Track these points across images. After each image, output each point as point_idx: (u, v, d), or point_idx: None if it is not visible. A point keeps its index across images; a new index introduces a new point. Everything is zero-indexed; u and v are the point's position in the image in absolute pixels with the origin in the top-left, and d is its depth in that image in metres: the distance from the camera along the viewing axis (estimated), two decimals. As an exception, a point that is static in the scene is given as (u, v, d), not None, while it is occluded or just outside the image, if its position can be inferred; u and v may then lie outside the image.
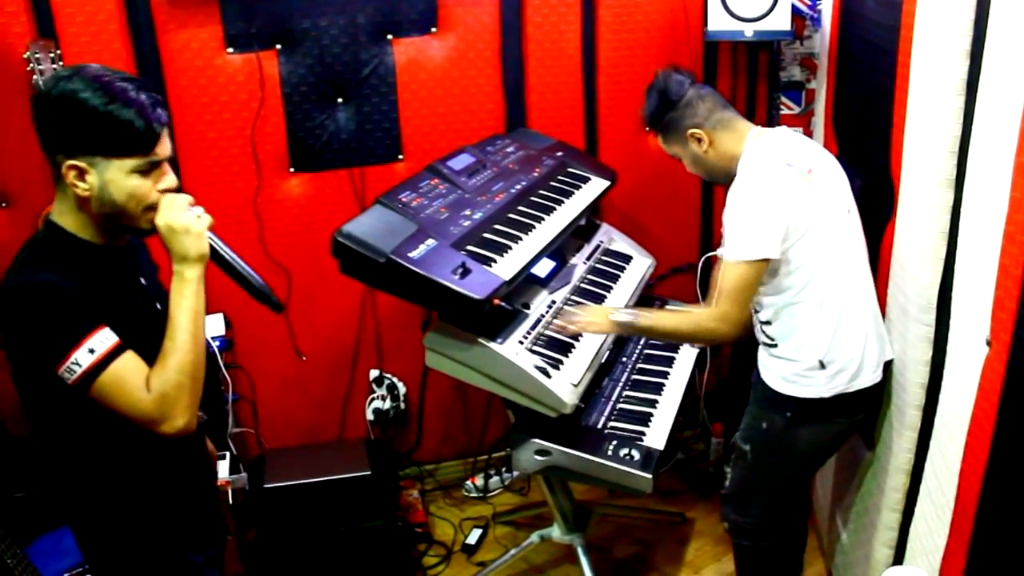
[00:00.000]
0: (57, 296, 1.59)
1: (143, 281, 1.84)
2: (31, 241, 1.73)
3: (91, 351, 1.60)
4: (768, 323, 2.34)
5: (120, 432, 1.70)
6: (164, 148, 1.68)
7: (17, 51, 2.75)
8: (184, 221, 1.68)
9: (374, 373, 3.45)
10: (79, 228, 1.69)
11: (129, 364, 1.64)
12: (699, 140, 2.35)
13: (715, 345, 2.41)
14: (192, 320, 1.69)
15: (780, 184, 2.19)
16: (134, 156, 1.64)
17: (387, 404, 3.45)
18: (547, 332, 2.57)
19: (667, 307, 3.05)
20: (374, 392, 3.47)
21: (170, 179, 1.71)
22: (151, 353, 1.69)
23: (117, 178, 1.64)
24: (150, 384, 1.64)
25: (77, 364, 1.60)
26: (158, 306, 1.81)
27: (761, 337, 2.40)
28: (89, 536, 1.87)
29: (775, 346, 2.34)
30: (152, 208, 1.69)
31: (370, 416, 3.47)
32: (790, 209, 2.17)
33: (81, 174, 1.62)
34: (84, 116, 1.59)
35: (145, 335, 1.70)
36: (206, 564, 1.96)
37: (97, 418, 1.68)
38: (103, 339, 1.61)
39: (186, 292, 1.69)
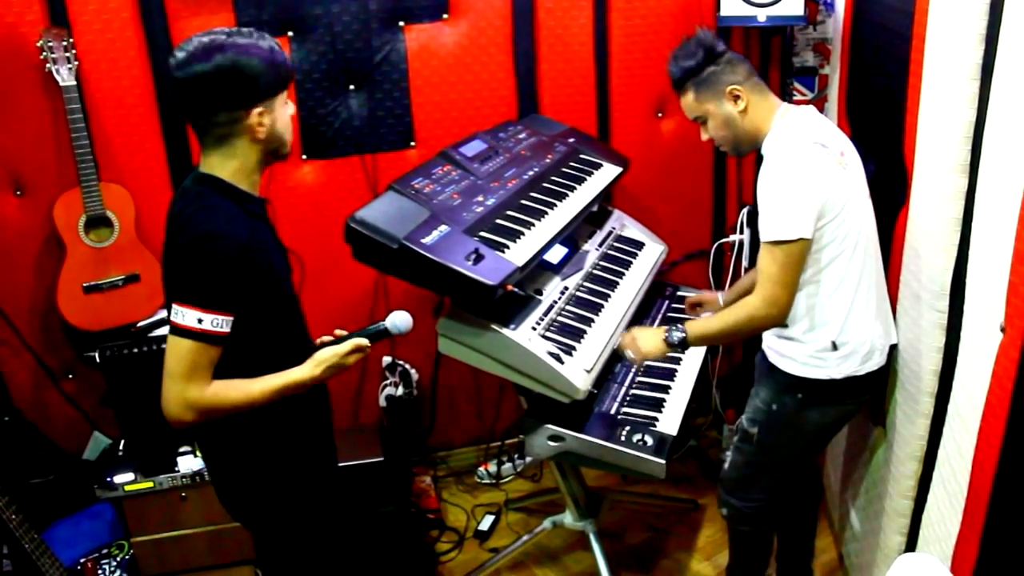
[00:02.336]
0: (229, 257, 1.73)
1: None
2: (196, 194, 1.83)
3: (200, 320, 1.73)
4: None
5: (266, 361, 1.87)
6: None
7: (31, 40, 2.77)
8: (348, 363, 1.97)
9: (387, 360, 3.46)
10: (239, 178, 1.85)
11: (209, 356, 1.77)
12: (737, 98, 2.29)
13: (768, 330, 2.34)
14: (275, 396, 1.86)
15: (816, 164, 2.16)
16: (287, 87, 1.87)
17: (400, 391, 3.45)
18: (560, 318, 2.58)
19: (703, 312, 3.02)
20: (387, 379, 3.48)
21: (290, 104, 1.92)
22: (287, 309, 1.94)
23: (280, 110, 1.85)
24: (215, 387, 1.79)
25: (181, 315, 1.73)
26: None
27: None
28: (219, 457, 2.03)
29: (784, 327, 2.33)
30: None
31: (383, 403, 3.48)
32: (825, 190, 2.15)
33: (261, 116, 1.80)
34: (260, 65, 1.77)
35: (288, 285, 1.95)
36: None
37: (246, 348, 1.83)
38: (220, 323, 1.75)
39: (301, 383, 1.89)
